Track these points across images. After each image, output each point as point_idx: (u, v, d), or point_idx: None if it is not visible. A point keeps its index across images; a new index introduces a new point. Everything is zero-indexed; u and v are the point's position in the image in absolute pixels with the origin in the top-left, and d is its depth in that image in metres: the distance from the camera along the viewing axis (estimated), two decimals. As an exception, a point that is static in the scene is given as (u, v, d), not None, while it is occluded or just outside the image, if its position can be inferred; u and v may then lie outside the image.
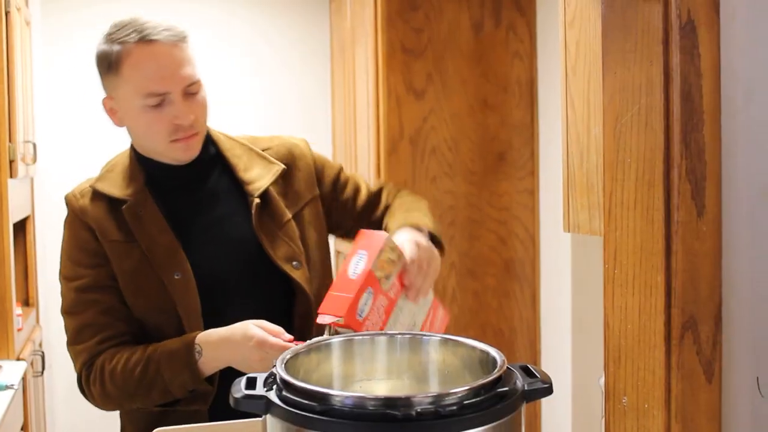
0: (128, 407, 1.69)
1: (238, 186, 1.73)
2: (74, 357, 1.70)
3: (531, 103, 3.52)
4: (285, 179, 1.75)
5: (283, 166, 1.75)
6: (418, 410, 0.86)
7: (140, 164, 1.71)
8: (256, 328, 1.52)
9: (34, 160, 3.59)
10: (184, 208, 1.70)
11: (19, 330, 3.23)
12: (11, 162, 3.13)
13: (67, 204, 1.77)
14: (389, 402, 0.88)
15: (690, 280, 1.06)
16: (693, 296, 1.06)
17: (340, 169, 1.87)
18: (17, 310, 3.25)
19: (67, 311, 1.72)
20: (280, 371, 0.96)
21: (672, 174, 1.06)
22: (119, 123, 1.70)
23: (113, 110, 1.69)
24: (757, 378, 1.06)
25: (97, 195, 1.71)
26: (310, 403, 0.89)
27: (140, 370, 1.59)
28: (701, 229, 1.06)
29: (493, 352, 1.03)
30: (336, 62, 4.34)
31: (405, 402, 0.87)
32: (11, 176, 3.14)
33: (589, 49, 1.42)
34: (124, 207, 1.66)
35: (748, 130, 1.05)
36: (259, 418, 0.98)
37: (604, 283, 1.21)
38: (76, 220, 1.73)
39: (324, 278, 1.76)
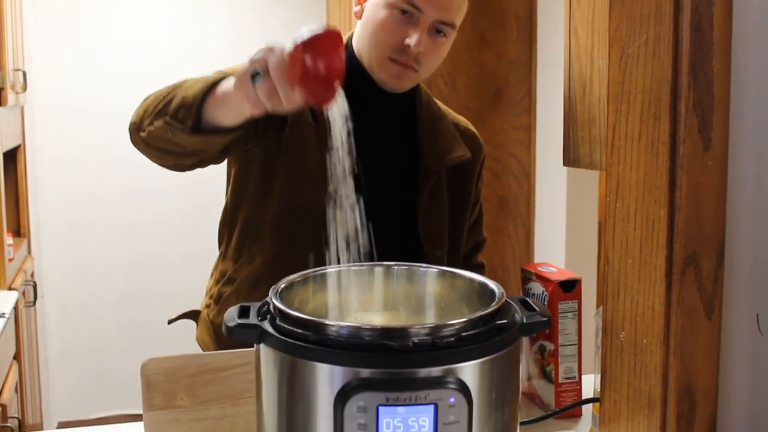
0: (139, 132, 1.47)
1: (415, 147, 1.67)
2: None
3: (529, 38, 3.46)
4: (461, 165, 1.71)
5: (469, 154, 1.70)
6: (415, 341, 0.84)
7: (347, 66, 1.59)
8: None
9: (24, 88, 3.53)
10: (362, 131, 1.63)
11: (10, 260, 3.22)
12: (0, 90, 3.08)
13: None
14: (385, 332, 0.86)
15: (693, 215, 1.04)
16: (696, 231, 1.04)
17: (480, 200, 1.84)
18: (8, 239, 3.24)
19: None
20: (274, 300, 0.95)
21: (679, 106, 1.03)
22: (359, 13, 1.61)
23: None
24: (757, 315, 1.05)
25: None
26: (305, 332, 0.88)
27: (171, 86, 1.43)
28: (707, 163, 1.04)
29: (491, 284, 1.01)
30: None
31: (401, 332, 0.85)
32: (1, 105, 3.10)
33: (595, -23, 1.38)
34: None
35: (759, 63, 1.02)
36: (252, 348, 0.96)
37: (605, 218, 1.19)
38: None
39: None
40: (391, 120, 1.67)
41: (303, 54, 1.11)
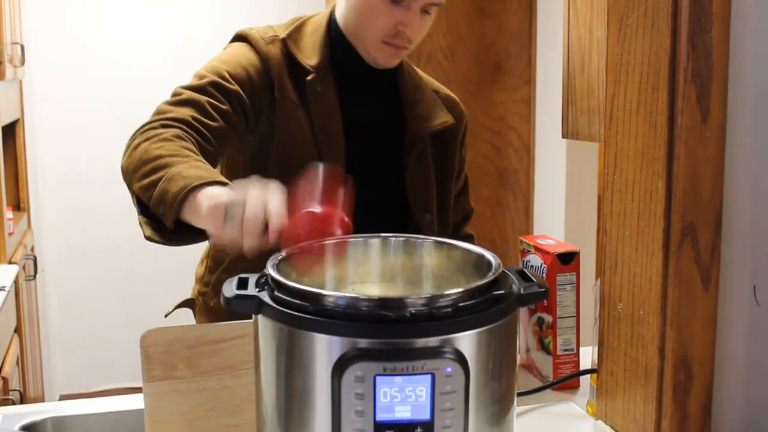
0: (127, 180, 1.44)
1: (399, 115, 1.69)
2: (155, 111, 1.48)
3: (529, 10, 3.45)
4: (444, 132, 1.72)
5: (452, 120, 1.72)
6: (412, 311, 0.84)
7: (331, 38, 1.63)
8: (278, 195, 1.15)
9: (22, 62, 3.52)
10: (351, 103, 1.64)
11: (10, 234, 3.22)
12: (-2, 63, 3.07)
13: (250, 39, 1.62)
14: (383, 303, 0.86)
15: (691, 185, 1.04)
16: (694, 202, 1.04)
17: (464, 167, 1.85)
18: (8, 214, 3.23)
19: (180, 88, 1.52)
20: (272, 272, 0.95)
21: (677, 77, 1.03)
22: None
23: None
24: (754, 286, 1.05)
25: (285, 51, 1.61)
26: (303, 303, 0.88)
27: (158, 151, 1.35)
28: (705, 134, 1.04)
29: (488, 255, 1.01)
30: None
31: (399, 303, 0.85)
32: (-1, 78, 3.09)
33: (594, -52, 1.37)
34: (308, 78, 1.58)
35: (759, 33, 1.01)
36: (250, 320, 0.97)
37: (604, 189, 1.19)
38: (255, 59, 1.59)
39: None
40: (375, 89, 1.69)
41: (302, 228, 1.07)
